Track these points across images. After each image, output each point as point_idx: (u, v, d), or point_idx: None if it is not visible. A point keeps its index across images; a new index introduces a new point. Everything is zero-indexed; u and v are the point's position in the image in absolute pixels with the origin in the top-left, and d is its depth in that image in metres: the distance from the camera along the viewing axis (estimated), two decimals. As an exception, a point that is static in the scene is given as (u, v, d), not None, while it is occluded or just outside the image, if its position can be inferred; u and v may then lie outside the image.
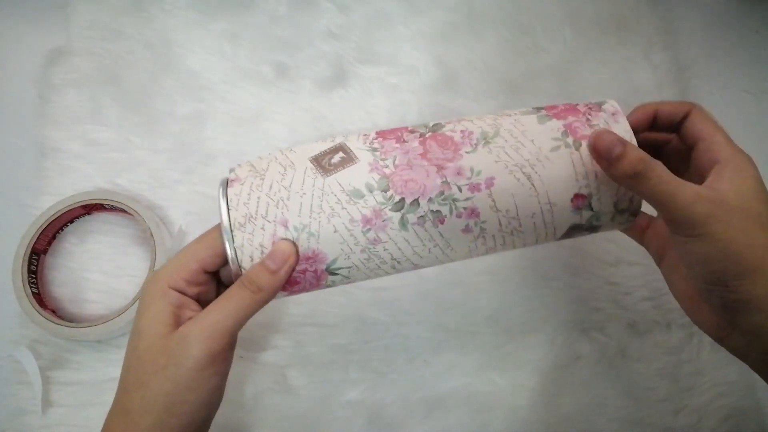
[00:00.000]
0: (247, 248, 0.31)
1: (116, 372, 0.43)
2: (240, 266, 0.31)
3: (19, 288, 0.42)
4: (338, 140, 0.34)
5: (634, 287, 0.46)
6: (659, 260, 0.35)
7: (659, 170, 0.29)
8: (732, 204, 0.29)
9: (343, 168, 0.32)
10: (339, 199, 0.31)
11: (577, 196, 0.32)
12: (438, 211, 0.32)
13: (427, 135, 0.33)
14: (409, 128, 0.34)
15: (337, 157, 0.33)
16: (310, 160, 0.33)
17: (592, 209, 0.33)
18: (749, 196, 0.30)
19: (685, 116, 0.33)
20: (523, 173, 0.32)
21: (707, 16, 0.56)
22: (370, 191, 0.32)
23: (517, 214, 0.32)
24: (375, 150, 0.33)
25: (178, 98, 0.50)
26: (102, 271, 0.45)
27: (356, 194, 0.31)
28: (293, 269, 0.31)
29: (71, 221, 0.46)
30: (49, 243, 0.45)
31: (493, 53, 0.53)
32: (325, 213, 0.31)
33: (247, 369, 0.43)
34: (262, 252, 0.31)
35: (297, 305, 0.45)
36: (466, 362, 0.44)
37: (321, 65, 0.52)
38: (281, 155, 0.34)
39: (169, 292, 0.31)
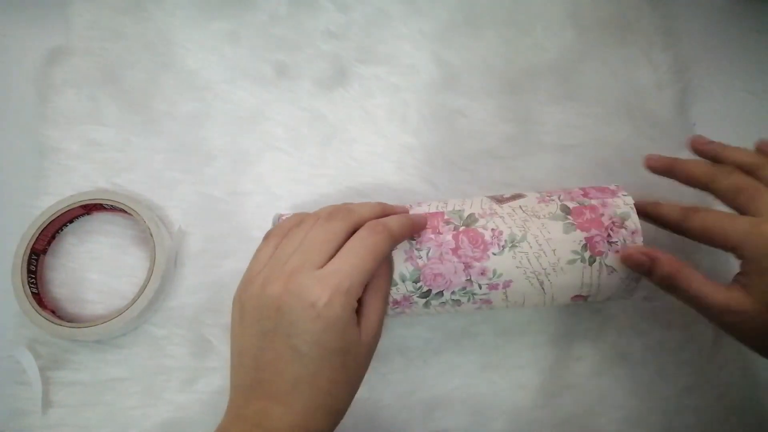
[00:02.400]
0: None
1: (116, 372, 0.43)
2: None
3: (18, 288, 0.42)
4: None
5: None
6: None
7: (687, 280, 0.34)
8: (755, 309, 0.32)
9: None
10: None
11: (577, 296, 0.38)
12: (458, 300, 0.37)
13: (461, 229, 0.36)
14: (445, 216, 0.37)
15: None
16: None
17: (586, 301, 0.39)
18: None
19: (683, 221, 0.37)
20: (538, 280, 0.36)
21: (708, 16, 0.56)
22: (403, 281, 0.36)
23: (523, 304, 0.38)
24: (412, 238, 0.36)
25: (178, 98, 0.50)
26: (101, 271, 0.45)
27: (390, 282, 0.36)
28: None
29: (71, 221, 0.46)
30: (49, 243, 0.45)
31: (493, 52, 0.53)
32: None
33: (247, 369, 0.43)
34: None
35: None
36: (465, 362, 0.44)
37: (321, 65, 0.52)
38: None
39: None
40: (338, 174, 0.49)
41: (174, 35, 0.52)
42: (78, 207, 0.44)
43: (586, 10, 0.54)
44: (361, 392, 0.43)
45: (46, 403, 0.42)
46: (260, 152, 0.49)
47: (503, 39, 0.53)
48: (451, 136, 0.50)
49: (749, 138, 0.53)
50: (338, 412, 0.32)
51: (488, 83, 0.52)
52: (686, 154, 0.50)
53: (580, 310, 0.46)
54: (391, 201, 0.42)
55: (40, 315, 0.41)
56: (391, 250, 0.35)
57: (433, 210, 0.38)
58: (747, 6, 0.56)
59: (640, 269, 0.35)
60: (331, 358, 0.30)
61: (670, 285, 0.35)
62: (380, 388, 0.44)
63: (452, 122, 0.50)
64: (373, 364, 0.44)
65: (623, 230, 0.36)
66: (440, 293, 0.36)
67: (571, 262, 0.36)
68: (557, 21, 0.54)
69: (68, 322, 0.42)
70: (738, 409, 0.44)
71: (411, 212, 0.38)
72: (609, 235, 0.36)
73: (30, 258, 0.43)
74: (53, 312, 0.43)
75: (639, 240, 0.36)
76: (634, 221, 0.37)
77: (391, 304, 0.36)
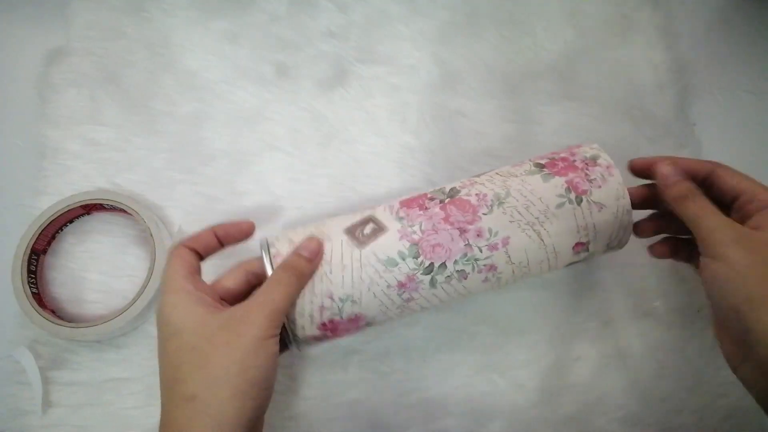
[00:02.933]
0: (299, 320, 0.35)
1: (116, 372, 0.43)
2: (295, 335, 0.35)
3: (18, 288, 0.42)
4: (367, 213, 0.38)
5: (634, 288, 0.46)
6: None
7: (700, 199, 0.34)
8: (762, 240, 0.31)
9: (376, 238, 0.36)
10: (376, 269, 0.35)
11: (577, 244, 0.38)
12: (462, 270, 0.36)
13: (446, 201, 0.37)
14: (429, 195, 0.38)
15: (368, 228, 0.36)
16: (345, 232, 0.37)
17: (588, 251, 0.39)
18: None
19: (709, 175, 0.37)
20: (534, 230, 0.37)
21: (708, 16, 0.56)
22: (403, 259, 0.35)
23: (528, 264, 0.38)
24: (401, 218, 0.37)
25: (178, 98, 0.50)
26: (101, 271, 0.45)
27: (391, 263, 0.35)
28: (320, 260, 0.35)
29: (71, 221, 0.46)
30: (49, 243, 0.45)
31: (493, 53, 0.53)
32: (365, 282, 0.35)
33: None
34: (312, 321, 0.35)
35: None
36: (466, 362, 0.44)
37: (321, 65, 0.52)
38: (316, 229, 0.37)
39: (190, 284, 0.34)
40: (338, 174, 0.49)
41: (174, 35, 0.52)
42: (78, 207, 0.44)
43: (586, 10, 0.54)
44: (361, 392, 0.43)
45: (46, 403, 0.42)
46: (260, 152, 0.49)
47: (503, 39, 0.53)
48: (451, 136, 0.50)
49: (749, 138, 0.53)
50: (192, 398, 0.30)
51: (488, 83, 0.52)
52: (685, 154, 0.50)
53: (581, 309, 0.46)
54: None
55: (40, 315, 0.41)
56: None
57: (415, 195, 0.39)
58: (747, 6, 0.56)
59: (666, 180, 0.36)
60: (165, 343, 0.33)
61: (681, 199, 0.34)
62: (381, 387, 0.44)
63: (452, 122, 0.50)
64: (374, 364, 0.44)
65: (598, 167, 0.38)
66: (443, 265, 0.36)
67: (560, 205, 0.37)
68: (557, 21, 0.54)
69: (68, 322, 0.42)
70: (738, 409, 0.44)
71: (398, 201, 0.38)
72: (586, 174, 0.37)
73: (30, 258, 0.43)
74: (53, 312, 0.43)
75: (616, 173, 0.38)
76: (605, 158, 0.38)
77: (397, 289, 0.36)
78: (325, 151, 0.49)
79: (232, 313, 0.32)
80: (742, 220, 0.33)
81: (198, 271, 0.36)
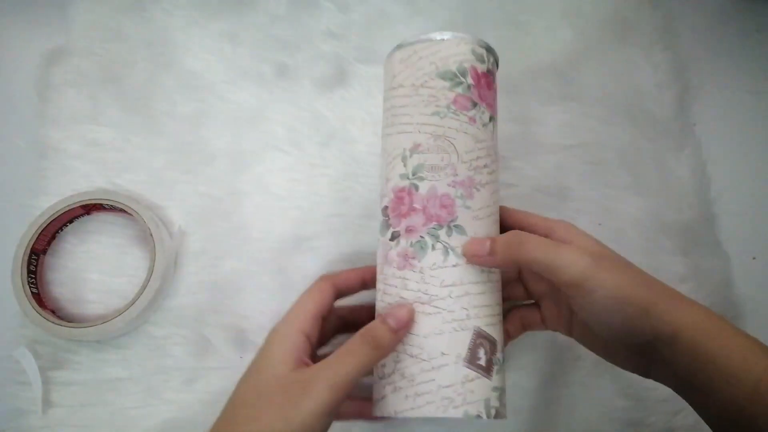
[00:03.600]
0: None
1: (116, 372, 0.43)
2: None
3: (18, 288, 0.42)
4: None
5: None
6: (569, 332, 0.38)
7: (533, 244, 0.32)
8: (603, 254, 0.32)
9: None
10: None
11: None
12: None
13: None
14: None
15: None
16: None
17: None
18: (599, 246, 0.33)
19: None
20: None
21: (708, 16, 0.56)
22: None
23: None
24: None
25: (178, 98, 0.50)
26: (101, 271, 0.45)
27: None
28: (407, 331, 0.33)
29: (71, 221, 0.46)
30: (49, 243, 0.45)
31: (493, 53, 0.53)
32: None
33: (247, 369, 0.43)
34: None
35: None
36: (466, 362, 0.44)
37: (321, 65, 0.52)
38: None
39: (299, 336, 0.33)
40: (338, 174, 0.49)
41: (174, 35, 0.52)
42: (78, 207, 0.44)
43: (587, 11, 0.54)
44: (361, 391, 0.43)
45: (46, 403, 0.42)
46: (260, 152, 0.49)
47: (503, 39, 0.53)
48: (451, 136, 0.50)
49: (749, 138, 0.53)
50: None
51: (488, 83, 0.52)
52: (685, 154, 0.50)
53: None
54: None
55: (40, 315, 0.41)
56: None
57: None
58: (747, 6, 0.56)
59: (483, 254, 0.33)
60: (251, 370, 0.33)
61: (518, 262, 0.32)
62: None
63: (452, 122, 0.50)
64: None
65: None
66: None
67: None
68: (557, 21, 0.54)
69: (68, 322, 0.42)
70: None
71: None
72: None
73: (30, 258, 0.43)
74: (53, 312, 0.43)
75: None
76: None
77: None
78: (325, 151, 0.49)
79: (297, 376, 0.31)
80: None
81: (328, 310, 0.36)
